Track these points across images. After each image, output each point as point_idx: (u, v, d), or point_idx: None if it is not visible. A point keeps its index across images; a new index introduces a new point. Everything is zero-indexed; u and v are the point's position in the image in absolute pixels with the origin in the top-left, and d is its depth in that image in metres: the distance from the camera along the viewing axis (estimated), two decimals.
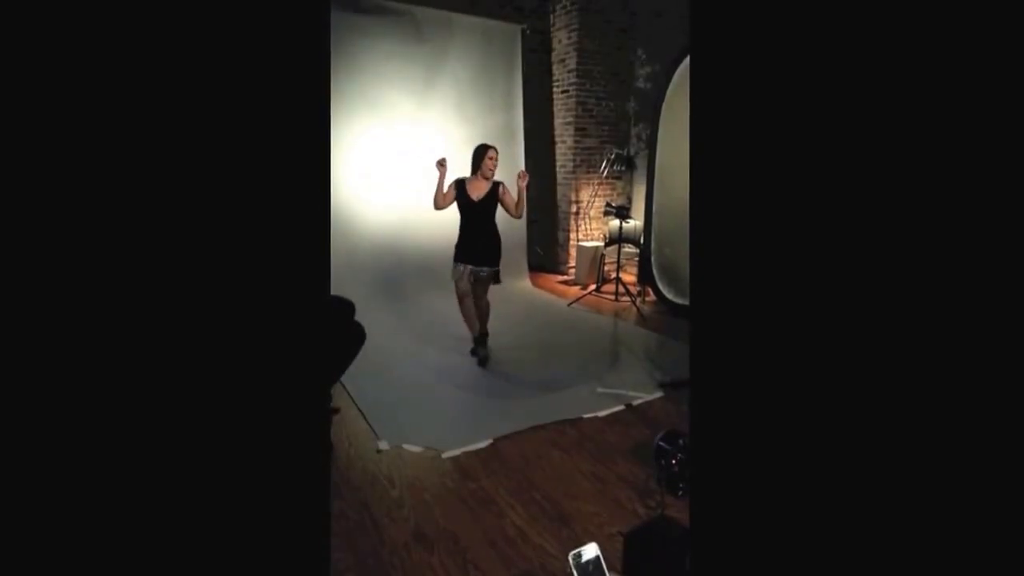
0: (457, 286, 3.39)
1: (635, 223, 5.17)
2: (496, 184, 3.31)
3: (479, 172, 3.29)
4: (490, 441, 2.46)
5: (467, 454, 2.36)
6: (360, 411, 2.74)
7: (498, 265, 3.37)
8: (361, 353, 2.52)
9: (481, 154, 3.28)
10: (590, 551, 1.36)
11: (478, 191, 3.30)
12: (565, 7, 5.42)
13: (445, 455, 2.34)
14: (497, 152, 3.32)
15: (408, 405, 2.84)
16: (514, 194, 3.32)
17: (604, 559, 1.37)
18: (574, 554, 1.36)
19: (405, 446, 2.42)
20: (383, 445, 2.42)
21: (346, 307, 2.47)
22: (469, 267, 3.35)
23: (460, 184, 3.34)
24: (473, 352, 3.51)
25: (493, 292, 3.49)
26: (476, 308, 3.44)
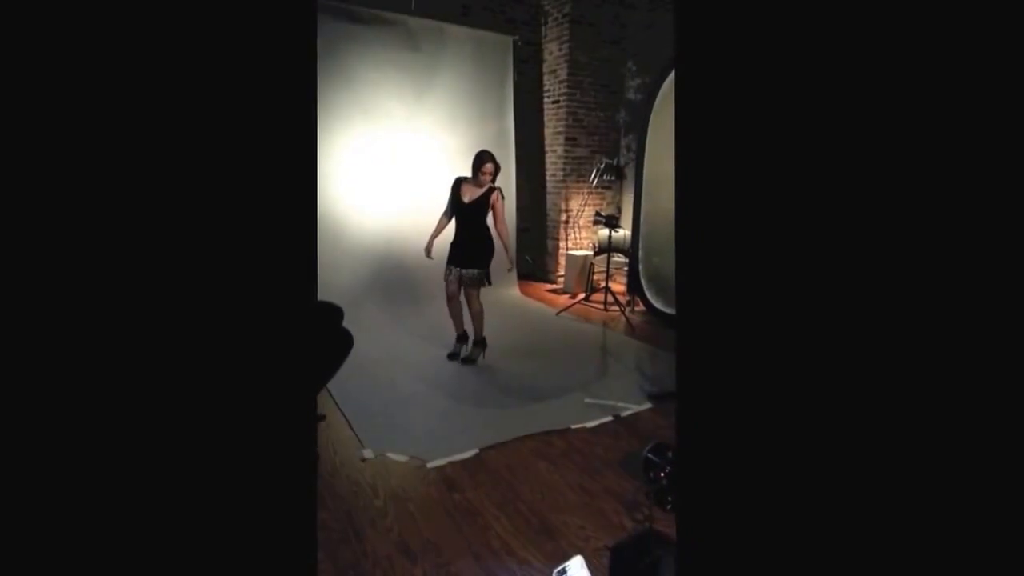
0: (446, 287, 3.45)
1: (624, 232, 5.19)
2: (491, 190, 3.32)
3: (476, 179, 3.34)
4: (476, 451, 2.44)
5: (452, 464, 2.33)
6: (345, 418, 2.71)
7: (486, 267, 3.38)
8: (348, 360, 2.49)
9: (479, 164, 3.31)
10: (575, 566, 1.34)
11: (470, 194, 3.33)
12: (557, 19, 5.46)
13: (430, 464, 2.32)
14: (496, 166, 3.33)
15: (394, 413, 2.81)
16: (500, 214, 3.34)
17: (590, 573, 1.35)
18: (558, 571, 1.33)
19: (390, 455, 2.39)
20: (368, 454, 2.39)
21: (334, 313, 2.45)
22: (456, 269, 3.38)
23: (457, 184, 3.40)
24: (452, 355, 3.56)
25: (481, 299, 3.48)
26: (469, 311, 3.44)
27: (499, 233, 3.38)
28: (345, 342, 2.49)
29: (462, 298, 3.45)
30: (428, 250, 3.45)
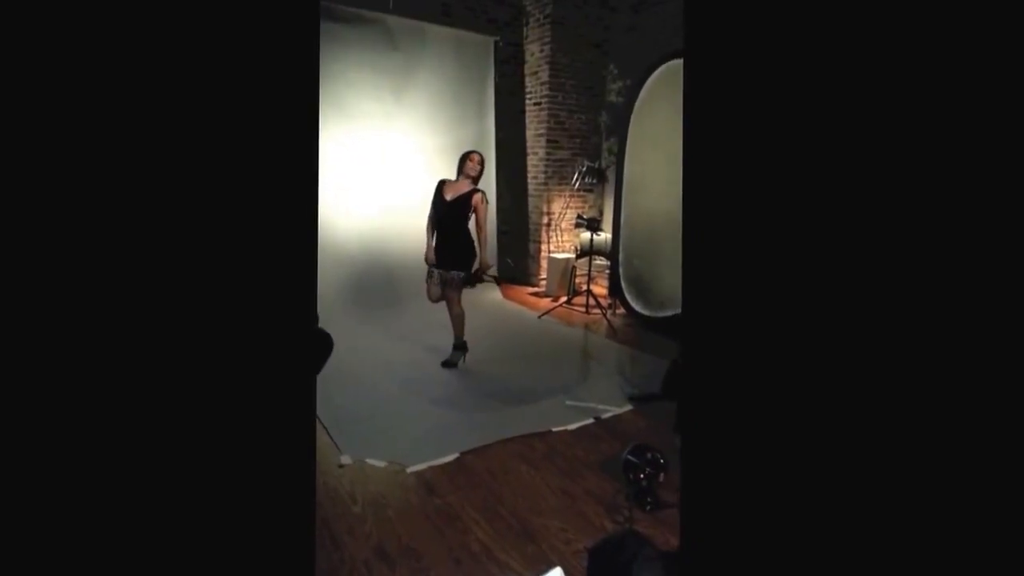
0: (428, 290, 3.41)
1: (606, 235, 5.20)
2: (474, 191, 3.29)
3: (462, 174, 3.32)
4: (456, 455, 2.41)
5: (432, 469, 2.31)
6: (322, 424, 2.66)
7: (468, 270, 3.35)
8: (326, 364, 2.45)
9: (464, 157, 3.33)
10: None
11: (453, 192, 3.31)
12: (539, 20, 5.46)
13: (410, 470, 2.29)
14: (482, 156, 3.36)
15: (373, 418, 2.77)
16: (482, 219, 3.31)
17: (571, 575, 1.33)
18: None
19: (368, 460, 2.35)
20: (345, 459, 2.35)
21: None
22: (437, 271, 3.34)
23: (440, 185, 3.38)
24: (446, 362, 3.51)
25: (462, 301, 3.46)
26: (450, 314, 3.42)
27: (479, 239, 3.34)
28: (324, 345, 2.45)
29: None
30: (428, 258, 3.39)
